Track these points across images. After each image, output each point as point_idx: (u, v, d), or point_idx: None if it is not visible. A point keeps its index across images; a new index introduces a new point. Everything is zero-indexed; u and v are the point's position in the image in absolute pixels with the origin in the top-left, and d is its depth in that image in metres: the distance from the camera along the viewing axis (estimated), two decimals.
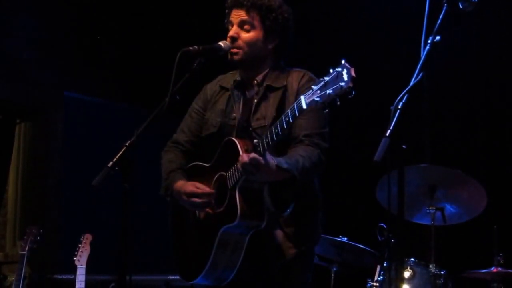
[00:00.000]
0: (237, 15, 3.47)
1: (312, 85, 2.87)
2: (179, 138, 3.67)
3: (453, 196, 4.75)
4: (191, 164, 3.59)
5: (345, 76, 2.74)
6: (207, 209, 3.38)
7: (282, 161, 3.14)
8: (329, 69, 2.82)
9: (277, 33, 3.47)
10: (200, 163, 3.55)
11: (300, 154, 3.22)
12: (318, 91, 2.83)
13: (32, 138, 7.00)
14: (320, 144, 3.31)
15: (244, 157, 3.07)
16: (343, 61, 2.79)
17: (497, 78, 5.76)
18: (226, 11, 3.55)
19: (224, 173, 3.33)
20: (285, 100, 3.38)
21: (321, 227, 3.53)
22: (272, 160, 3.10)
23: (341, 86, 2.75)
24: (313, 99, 2.84)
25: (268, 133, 3.10)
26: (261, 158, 3.05)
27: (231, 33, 3.47)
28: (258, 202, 3.27)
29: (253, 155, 3.06)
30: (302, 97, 2.91)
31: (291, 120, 3.01)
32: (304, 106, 2.89)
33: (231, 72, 3.65)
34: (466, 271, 4.93)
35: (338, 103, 2.80)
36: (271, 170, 3.10)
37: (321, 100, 2.82)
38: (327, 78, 2.81)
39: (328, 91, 2.78)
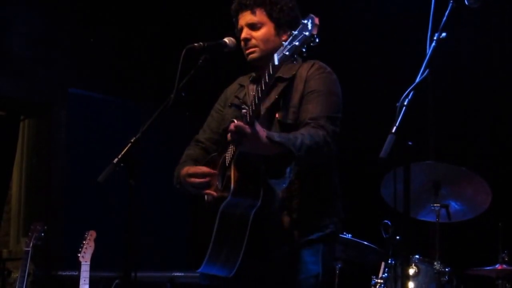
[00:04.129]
0: (243, 18, 3.49)
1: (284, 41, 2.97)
2: (200, 136, 3.70)
3: (458, 193, 4.74)
4: (208, 157, 3.59)
5: (309, 26, 2.86)
6: (211, 191, 3.36)
7: (275, 135, 3.13)
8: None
9: (288, 24, 3.47)
10: (214, 154, 3.55)
11: (301, 133, 3.19)
12: (288, 46, 2.93)
13: (36, 134, 7.01)
14: (326, 125, 3.26)
15: (231, 125, 3.08)
16: (310, 14, 2.89)
17: (503, 75, 5.75)
18: (234, 19, 3.56)
19: (225, 154, 3.34)
20: (291, 88, 3.38)
21: (340, 222, 3.46)
22: (262, 131, 3.08)
23: (305, 35, 2.86)
24: (283, 54, 2.94)
25: (252, 100, 3.14)
26: (246, 126, 3.04)
27: (243, 35, 3.48)
28: (254, 180, 3.23)
29: (238, 122, 3.06)
30: (274, 55, 2.98)
31: (267, 80, 3.06)
32: (276, 62, 2.97)
33: (250, 73, 3.65)
34: (471, 268, 4.92)
35: (304, 53, 2.94)
36: (260, 140, 3.06)
37: (290, 53, 2.92)
38: (295, 32, 2.92)
39: (295, 43, 2.90)
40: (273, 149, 3.14)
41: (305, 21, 2.88)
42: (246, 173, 3.22)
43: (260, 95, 3.08)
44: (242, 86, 3.63)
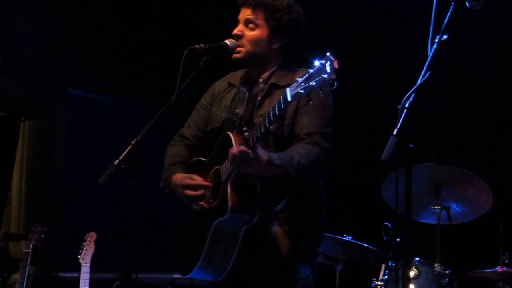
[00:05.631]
0: (244, 13, 3.50)
1: (298, 77, 2.93)
2: (185, 132, 3.69)
3: (459, 195, 4.73)
4: (193, 160, 3.61)
5: (328, 68, 2.80)
6: (202, 203, 3.38)
7: (275, 157, 3.14)
8: (314, 62, 2.88)
9: (283, 33, 3.47)
10: (201, 158, 3.57)
11: (297, 152, 3.21)
12: (303, 84, 2.89)
13: (37, 135, 7.01)
14: (320, 143, 3.29)
15: (234, 149, 3.08)
16: (327, 54, 2.84)
17: (503, 77, 5.74)
18: (239, 8, 3.57)
19: (219, 167, 3.34)
20: None
21: (324, 228, 3.52)
22: (263, 154, 3.09)
23: (324, 78, 2.81)
24: (297, 92, 2.90)
25: (257, 126, 3.11)
26: (250, 151, 3.05)
27: (235, 30, 3.49)
28: (250, 197, 3.26)
29: (242, 147, 3.06)
30: (287, 90, 2.95)
31: (277, 113, 3.03)
32: (289, 99, 2.94)
33: (241, 70, 3.64)
34: (472, 271, 4.91)
35: (321, 93, 2.87)
36: (261, 164, 3.09)
37: (305, 92, 2.88)
38: (311, 71, 2.87)
39: (312, 83, 2.85)
40: (272, 171, 3.18)
41: (323, 62, 2.82)
42: (243, 191, 3.25)
43: (267, 125, 3.07)
44: (231, 85, 3.63)
